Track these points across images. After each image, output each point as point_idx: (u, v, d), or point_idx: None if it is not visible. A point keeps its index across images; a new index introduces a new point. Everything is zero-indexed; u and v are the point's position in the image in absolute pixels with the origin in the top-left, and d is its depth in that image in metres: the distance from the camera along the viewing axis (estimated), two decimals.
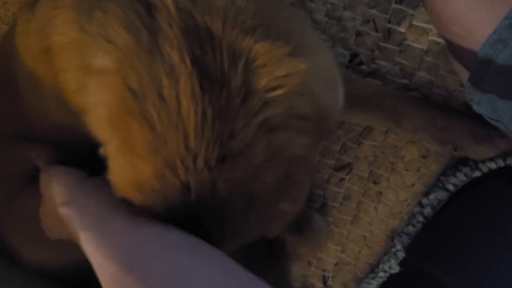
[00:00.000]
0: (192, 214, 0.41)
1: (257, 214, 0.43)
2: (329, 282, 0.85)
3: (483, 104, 0.58)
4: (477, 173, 0.69)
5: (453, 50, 0.60)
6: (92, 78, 0.42)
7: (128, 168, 0.42)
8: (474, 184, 0.69)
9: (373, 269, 0.81)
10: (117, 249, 0.39)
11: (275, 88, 0.41)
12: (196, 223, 0.42)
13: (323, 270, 0.85)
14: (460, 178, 0.70)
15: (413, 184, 0.75)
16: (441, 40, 0.69)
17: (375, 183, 0.78)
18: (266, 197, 0.43)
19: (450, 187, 0.71)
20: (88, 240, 0.42)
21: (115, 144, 0.42)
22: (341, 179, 0.79)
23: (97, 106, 0.42)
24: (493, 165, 0.67)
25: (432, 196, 0.73)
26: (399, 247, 0.75)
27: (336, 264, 0.84)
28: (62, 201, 0.48)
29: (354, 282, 0.84)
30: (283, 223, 0.47)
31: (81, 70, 0.44)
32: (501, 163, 0.67)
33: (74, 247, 0.49)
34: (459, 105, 0.70)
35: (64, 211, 0.46)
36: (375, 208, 0.78)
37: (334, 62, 0.51)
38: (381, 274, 0.78)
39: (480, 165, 0.68)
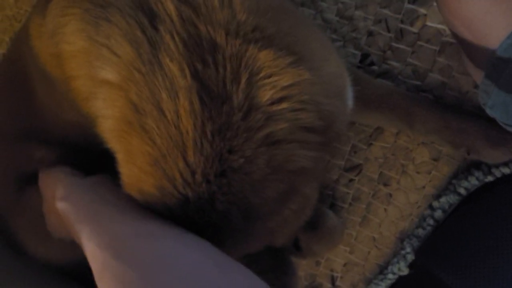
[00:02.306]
0: (192, 223, 0.42)
1: (259, 225, 0.43)
2: (338, 282, 0.85)
3: (496, 108, 0.57)
4: (489, 178, 0.67)
5: (467, 52, 0.59)
6: (100, 90, 0.43)
7: (133, 177, 0.43)
8: (486, 188, 0.68)
9: (382, 270, 0.80)
10: (107, 238, 0.40)
11: (279, 101, 0.41)
12: (196, 231, 0.42)
13: (332, 270, 0.84)
14: (472, 182, 0.69)
15: (424, 187, 0.74)
16: (454, 41, 0.67)
17: (385, 185, 0.77)
18: (267, 209, 0.43)
19: (462, 191, 0.70)
20: (81, 231, 0.43)
21: (121, 156, 0.43)
22: (351, 180, 0.79)
23: (105, 119, 0.43)
24: (506, 170, 0.66)
25: (443, 199, 0.72)
26: (408, 249, 0.75)
27: (344, 265, 0.83)
28: (59, 196, 0.49)
29: (363, 283, 0.83)
30: (288, 233, 0.47)
31: (90, 79, 0.44)
32: None
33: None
34: (472, 107, 0.69)
35: (61, 205, 0.48)
36: (385, 209, 0.78)
37: (342, 67, 0.50)
38: (390, 276, 0.78)
39: (493, 169, 0.67)
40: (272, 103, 0.40)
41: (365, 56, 0.73)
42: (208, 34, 0.40)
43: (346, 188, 0.79)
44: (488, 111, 0.58)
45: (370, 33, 0.72)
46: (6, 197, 0.63)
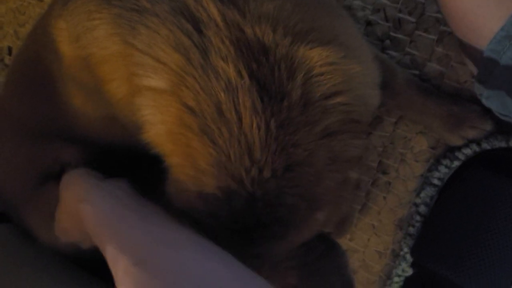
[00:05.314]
0: (258, 221, 0.42)
1: (319, 215, 0.44)
2: None
3: (492, 99, 0.57)
4: (456, 163, 0.68)
5: (463, 43, 0.59)
6: (144, 96, 0.43)
7: (190, 182, 0.42)
8: (457, 174, 0.68)
9: (389, 275, 0.81)
10: (128, 244, 0.41)
11: (334, 95, 0.41)
12: (262, 229, 0.42)
13: None
14: (442, 171, 0.69)
15: (422, 175, 0.75)
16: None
17: (384, 173, 0.78)
18: (327, 199, 0.43)
19: (436, 181, 0.70)
20: (102, 235, 0.44)
21: (176, 160, 0.43)
22: None
23: (154, 124, 0.43)
24: (468, 151, 0.66)
25: (422, 194, 0.72)
26: (406, 249, 0.75)
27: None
28: (80, 198, 0.50)
29: (363, 270, 0.85)
30: (338, 217, 0.49)
31: (126, 83, 0.44)
32: (475, 147, 0.66)
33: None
34: (470, 96, 0.69)
35: (82, 207, 0.49)
36: (384, 197, 0.79)
37: (373, 58, 0.50)
38: (396, 279, 0.78)
39: (457, 153, 0.67)
40: (327, 98, 0.41)
41: None
42: (255, 37, 0.40)
43: None
44: (484, 102, 0.59)
45: (369, 23, 0.72)
46: (25, 188, 0.64)
